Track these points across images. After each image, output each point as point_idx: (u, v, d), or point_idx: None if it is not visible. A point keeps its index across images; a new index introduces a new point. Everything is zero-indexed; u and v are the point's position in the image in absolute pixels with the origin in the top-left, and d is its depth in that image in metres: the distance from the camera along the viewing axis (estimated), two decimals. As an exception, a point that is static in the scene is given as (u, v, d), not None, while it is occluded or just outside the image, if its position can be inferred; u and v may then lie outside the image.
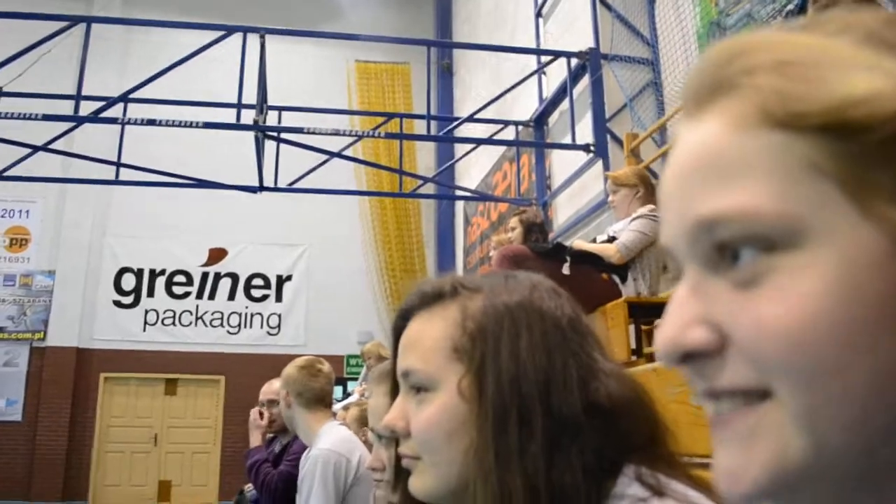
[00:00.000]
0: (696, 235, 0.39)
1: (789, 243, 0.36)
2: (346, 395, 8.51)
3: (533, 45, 8.30)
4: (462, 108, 11.24)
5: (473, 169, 10.84)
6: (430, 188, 10.52)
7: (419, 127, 10.21)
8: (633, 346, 3.52)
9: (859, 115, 0.35)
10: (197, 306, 12.47)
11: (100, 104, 6.69)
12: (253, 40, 6.89)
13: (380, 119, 9.56)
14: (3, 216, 12.01)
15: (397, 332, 0.89)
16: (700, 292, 0.39)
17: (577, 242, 4.09)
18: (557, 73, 7.55)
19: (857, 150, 0.35)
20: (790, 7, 4.75)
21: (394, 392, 0.91)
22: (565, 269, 3.70)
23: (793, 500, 0.37)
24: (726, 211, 0.37)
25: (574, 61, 7.14)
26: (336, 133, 7.14)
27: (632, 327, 3.50)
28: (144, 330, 12.19)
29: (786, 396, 0.36)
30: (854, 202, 0.35)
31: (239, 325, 12.52)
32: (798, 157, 0.36)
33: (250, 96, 6.93)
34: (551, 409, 0.75)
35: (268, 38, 6.96)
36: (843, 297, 0.34)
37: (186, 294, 12.49)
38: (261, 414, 4.29)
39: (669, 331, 0.39)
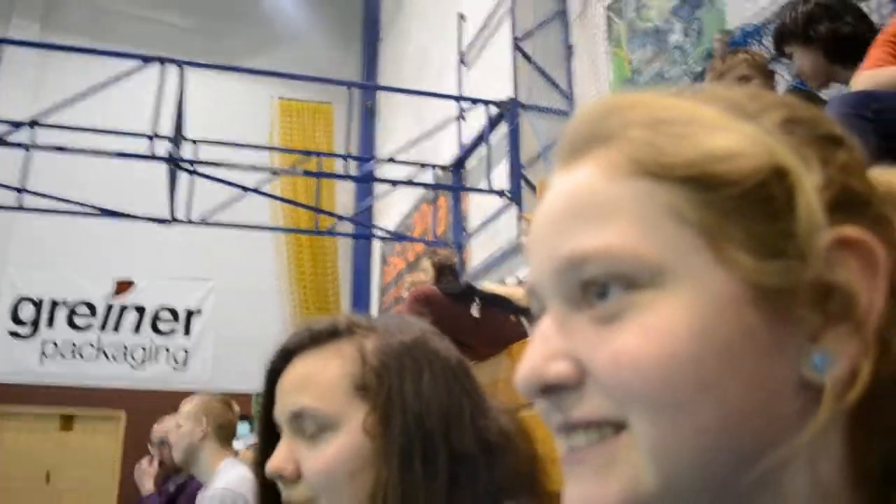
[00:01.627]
0: (563, 273, 0.40)
1: (650, 282, 0.38)
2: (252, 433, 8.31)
3: (455, 91, 8.45)
4: (384, 150, 11.30)
5: (392, 209, 10.88)
6: (348, 227, 10.50)
7: (339, 167, 10.21)
8: (539, 387, 3.58)
9: (720, 169, 0.38)
10: (99, 338, 12.00)
11: (7, 128, 6.47)
12: (171, 71, 6.80)
13: (299, 157, 9.52)
14: None
15: (275, 371, 0.85)
16: (563, 328, 0.41)
17: (486, 284, 4.17)
18: (477, 119, 7.71)
19: (715, 201, 0.38)
20: (697, 69, 5.01)
21: (264, 437, 0.86)
22: (474, 311, 3.76)
23: None
24: (595, 249, 0.39)
25: (493, 109, 7.31)
26: (253, 168, 7.08)
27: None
28: (41, 363, 11.64)
29: (638, 429, 0.37)
30: (710, 248, 0.37)
31: (144, 359, 12.09)
32: (663, 204, 0.38)
33: (167, 128, 6.82)
34: (452, 446, 0.76)
35: (189, 69, 6.89)
36: (695, 335, 0.36)
37: (89, 326, 12.01)
38: (150, 460, 4.17)
39: (531, 363, 0.40)
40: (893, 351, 0.38)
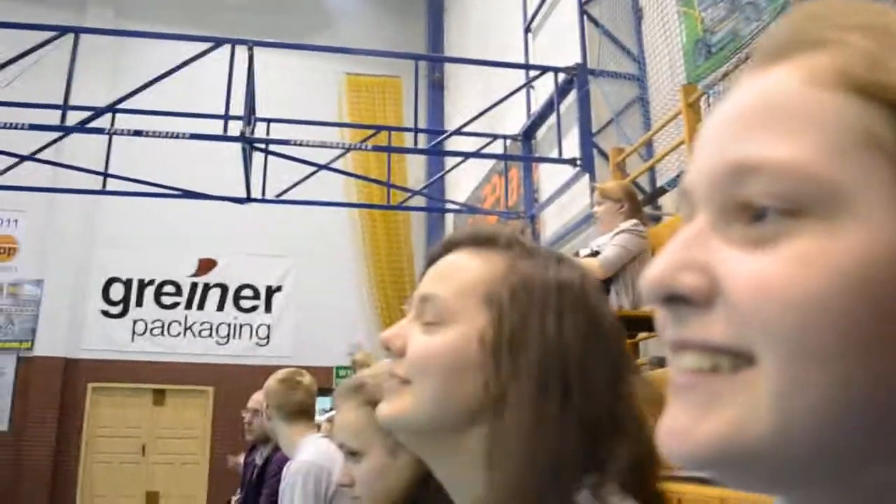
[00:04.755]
0: (725, 181, 0.36)
1: (822, 211, 0.33)
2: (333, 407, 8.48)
3: (522, 60, 8.34)
4: (453, 122, 11.27)
5: (463, 182, 10.86)
6: (420, 201, 10.53)
7: (409, 140, 10.23)
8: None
9: None
10: (186, 317, 12.43)
11: (87, 114, 6.69)
12: (241, 52, 6.90)
13: (369, 132, 9.58)
14: (-9, 225, 11.99)
15: (433, 259, 0.85)
16: (705, 239, 0.37)
17: None
18: (546, 87, 7.59)
19: None
20: (773, 25, 4.79)
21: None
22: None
23: (733, 476, 0.36)
24: (771, 161, 0.34)
25: (562, 76, 7.17)
26: (323, 145, 7.15)
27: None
28: (133, 340, 12.13)
29: (770, 367, 0.33)
30: None
31: (228, 335, 12.47)
32: (863, 127, 0.34)
33: (239, 108, 6.94)
34: (590, 392, 0.73)
35: (258, 49, 6.98)
36: (861, 280, 0.32)
37: (175, 304, 12.44)
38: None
39: (661, 267, 0.37)
40: None
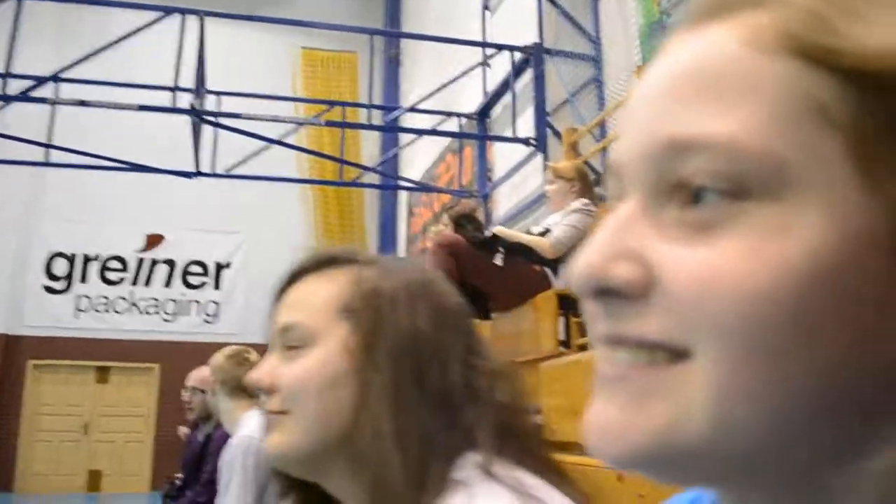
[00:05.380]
0: (659, 159, 0.32)
1: (766, 192, 0.30)
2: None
3: (479, 38, 8.30)
4: (408, 100, 11.20)
5: (418, 160, 10.82)
6: (374, 178, 10.47)
7: (364, 117, 10.15)
8: (563, 337, 3.55)
9: None
10: (132, 293, 12.20)
11: (30, 83, 6.48)
12: (192, 22, 6.73)
13: (323, 108, 9.46)
14: (-73, 196, 11.57)
15: (280, 292, 0.88)
16: (638, 224, 0.33)
17: (500, 229, 4.11)
18: (502, 66, 7.57)
19: (883, 109, 0.30)
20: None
21: None
22: (498, 260, 3.71)
23: (668, 474, 0.33)
24: (708, 136, 0.31)
25: (518, 55, 7.16)
26: (275, 119, 7.03)
27: (561, 319, 3.52)
28: (76, 316, 11.88)
29: (705, 362, 0.30)
30: (855, 164, 0.30)
31: (175, 312, 12.29)
32: (808, 96, 0.30)
33: (190, 80, 6.78)
34: (438, 379, 0.76)
35: (211, 21, 6.82)
36: (812, 269, 0.29)
37: (121, 280, 12.20)
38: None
39: (593, 257, 0.33)
40: None
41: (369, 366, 0.78)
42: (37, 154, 7.75)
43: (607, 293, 0.33)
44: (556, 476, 0.74)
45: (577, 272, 0.33)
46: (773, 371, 0.30)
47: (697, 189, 0.31)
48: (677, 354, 0.31)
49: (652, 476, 0.33)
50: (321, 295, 0.83)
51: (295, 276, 0.88)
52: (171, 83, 6.57)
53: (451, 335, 0.80)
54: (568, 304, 3.55)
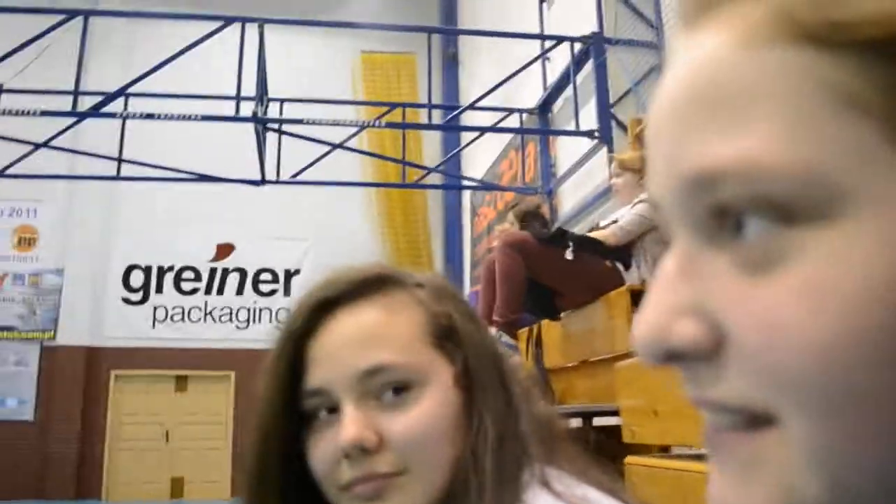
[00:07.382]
0: (691, 193, 0.28)
1: (815, 212, 0.25)
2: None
3: (537, 31, 8.18)
4: (468, 97, 11.14)
5: (480, 158, 10.75)
6: (436, 179, 10.43)
7: (424, 117, 10.13)
8: (637, 335, 3.43)
9: None
10: (206, 302, 12.46)
11: (100, 99, 6.65)
12: (252, 30, 6.80)
13: (383, 110, 9.48)
14: (11, 215, 12.02)
15: (305, 335, 0.74)
16: (692, 270, 0.29)
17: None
18: (562, 58, 7.44)
19: None
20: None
21: (279, 418, 0.74)
22: (568, 255, 3.60)
23: None
24: (727, 162, 0.26)
25: (578, 46, 7.02)
26: (336, 123, 7.05)
27: (635, 316, 3.40)
28: (153, 327, 12.18)
29: (795, 426, 0.26)
30: None
31: (248, 320, 12.49)
32: (828, 86, 0.25)
33: (251, 89, 6.86)
34: (513, 391, 0.73)
35: (270, 28, 6.88)
36: (889, 298, 0.24)
37: (195, 290, 12.47)
38: None
39: (650, 319, 0.29)
40: None
41: (480, 396, 0.71)
42: (110, 169, 7.97)
43: (677, 357, 0.28)
44: (608, 481, 0.69)
45: (637, 336, 0.29)
46: (868, 422, 0.25)
47: (739, 219, 0.26)
48: (765, 420, 0.27)
49: None
50: (399, 327, 0.72)
51: (326, 306, 0.75)
52: (233, 92, 6.65)
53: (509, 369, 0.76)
54: (641, 300, 3.43)
